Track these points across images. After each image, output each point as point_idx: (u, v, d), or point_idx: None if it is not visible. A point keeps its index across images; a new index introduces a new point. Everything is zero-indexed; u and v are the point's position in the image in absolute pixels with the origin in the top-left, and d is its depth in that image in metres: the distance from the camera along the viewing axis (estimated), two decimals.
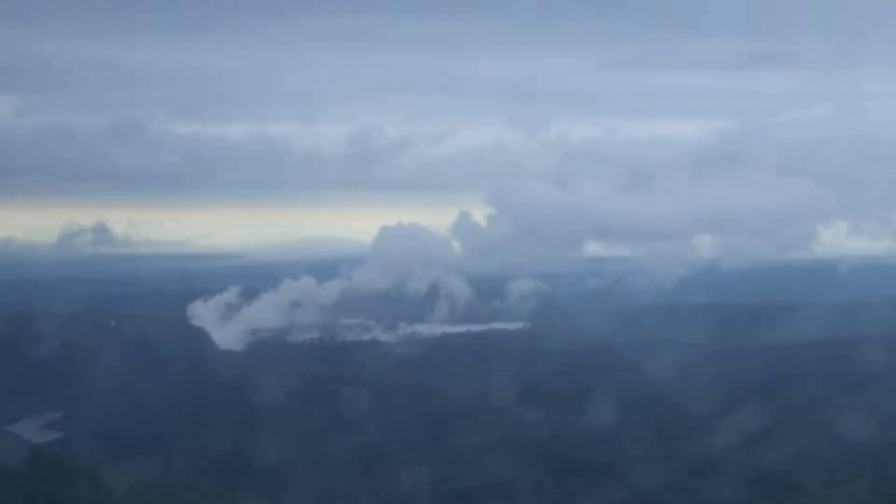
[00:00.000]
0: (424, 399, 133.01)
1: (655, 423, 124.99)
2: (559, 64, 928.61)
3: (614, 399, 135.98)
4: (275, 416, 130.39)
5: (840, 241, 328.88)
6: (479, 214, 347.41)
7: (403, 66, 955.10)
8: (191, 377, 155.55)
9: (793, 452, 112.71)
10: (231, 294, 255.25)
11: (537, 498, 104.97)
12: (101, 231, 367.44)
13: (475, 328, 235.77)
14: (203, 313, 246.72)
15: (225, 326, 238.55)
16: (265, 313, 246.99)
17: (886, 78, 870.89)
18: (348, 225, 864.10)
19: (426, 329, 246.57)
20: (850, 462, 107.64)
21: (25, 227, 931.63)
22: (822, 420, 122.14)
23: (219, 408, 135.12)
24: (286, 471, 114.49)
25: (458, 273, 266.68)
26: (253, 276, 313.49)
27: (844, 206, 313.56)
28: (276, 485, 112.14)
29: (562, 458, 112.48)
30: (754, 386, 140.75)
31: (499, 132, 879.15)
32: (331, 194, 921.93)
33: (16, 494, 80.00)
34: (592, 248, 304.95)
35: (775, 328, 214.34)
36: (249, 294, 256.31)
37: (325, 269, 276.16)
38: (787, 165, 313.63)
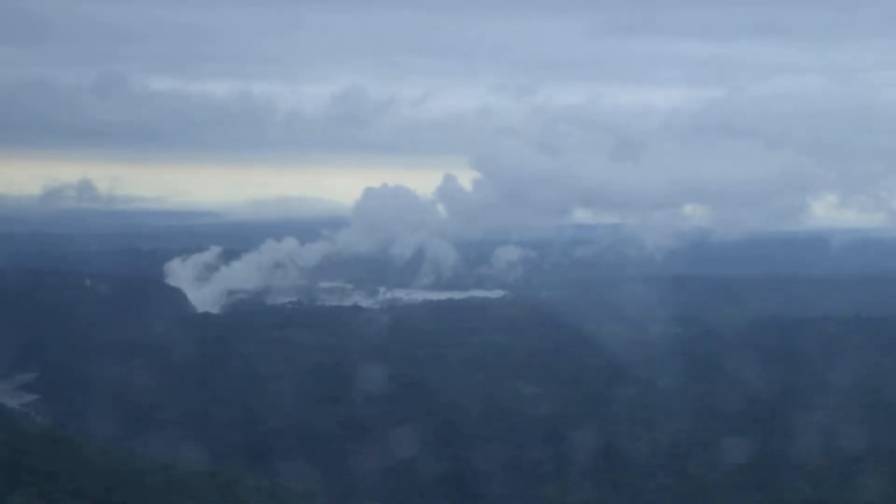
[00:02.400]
0: (398, 369, 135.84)
1: (628, 397, 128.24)
2: (547, 29, 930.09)
3: (590, 372, 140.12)
4: (251, 383, 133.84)
5: (830, 213, 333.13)
6: (465, 178, 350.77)
7: (389, 27, 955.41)
8: (167, 341, 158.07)
9: (777, 425, 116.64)
10: (209, 254, 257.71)
11: (504, 467, 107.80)
12: (78, 187, 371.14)
13: (458, 295, 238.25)
14: (180, 273, 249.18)
15: (202, 287, 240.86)
16: (243, 275, 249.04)
17: (878, 49, 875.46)
18: (328, 186, 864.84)
19: (408, 295, 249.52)
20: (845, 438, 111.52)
21: (3, 182, 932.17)
22: (811, 392, 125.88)
23: (195, 373, 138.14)
24: (258, 437, 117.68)
25: (443, 238, 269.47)
26: (229, 236, 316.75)
27: (834, 178, 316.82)
28: (249, 449, 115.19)
29: (528, 430, 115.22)
30: (741, 359, 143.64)
31: (485, 96, 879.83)
32: (312, 154, 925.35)
33: None
34: (581, 216, 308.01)
35: (765, 300, 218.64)
36: (228, 254, 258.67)
37: (302, 229, 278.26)
38: (776, 136, 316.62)
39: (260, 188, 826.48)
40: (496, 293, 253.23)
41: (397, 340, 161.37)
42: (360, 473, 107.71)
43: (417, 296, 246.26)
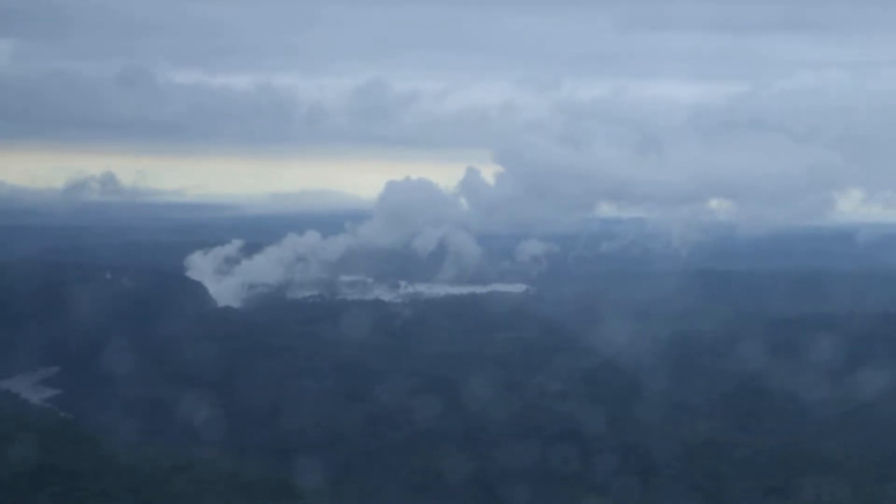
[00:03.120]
0: (421, 365, 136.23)
1: (652, 394, 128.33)
2: (571, 23, 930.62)
3: (614, 369, 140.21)
4: (273, 378, 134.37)
5: (856, 208, 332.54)
6: (488, 172, 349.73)
7: (412, 20, 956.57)
8: (189, 335, 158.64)
9: (802, 422, 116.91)
10: (231, 247, 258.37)
11: (529, 465, 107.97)
12: (101, 180, 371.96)
13: (480, 290, 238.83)
14: (201, 266, 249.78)
15: (222, 280, 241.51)
16: (265, 268, 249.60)
17: None
18: (350, 179, 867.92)
19: (430, 289, 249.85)
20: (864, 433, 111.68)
21: (25, 174, 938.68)
22: (837, 389, 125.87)
23: (217, 368, 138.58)
24: (281, 434, 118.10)
25: (466, 232, 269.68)
26: (250, 229, 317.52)
27: (860, 173, 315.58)
28: (272, 445, 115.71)
29: (554, 427, 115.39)
30: (767, 356, 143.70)
31: (508, 90, 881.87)
32: (334, 148, 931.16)
33: (9, 453, 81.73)
34: (605, 210, 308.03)
35: (790, 296, 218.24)
36: (249, 248, 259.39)
37: (324, 223, 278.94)
38: (802, 131, 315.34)
39: (282, 181, 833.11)
40: (518, 287, 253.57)
41: (420, 335, 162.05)
42: (383, 471, 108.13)
43: (439, 290, 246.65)
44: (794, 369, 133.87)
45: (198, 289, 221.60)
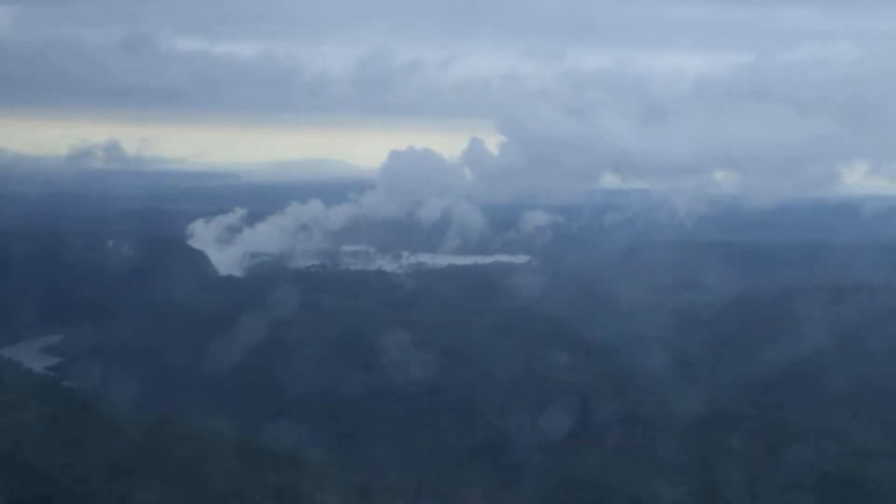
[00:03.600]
0: (423, 335, 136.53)
1: (655, 364, 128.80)
2: None
3: (617, 339, 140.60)
4: (275, 347, 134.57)
5: (861, 180, 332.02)
6: (491, 142, 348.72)
7: None
8: (191, 304, 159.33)
9: (809, 393, 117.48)
10: (233, 216, 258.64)
11: (533, 434, 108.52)
12: (104, 147, 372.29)
13: (483, 260, 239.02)
14: (203, 235, 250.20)
15: (225, 249, 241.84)
16: (267, 237, 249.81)
17: None
18: (353, 148, 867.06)
19: (433, 260, 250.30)
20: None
21: (28, 141, 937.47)
22: (841, 359, 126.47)
23: (217, 337, 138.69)
24: (284, 403, 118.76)
25: (470, 202, 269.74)
26: (253, 198, 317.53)
27: (865, 145, 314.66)
28: (275, 412, 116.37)
29: (557, 397, 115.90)
30: (772, 327, 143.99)
31: (512, 59, 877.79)
32: (337, 117, 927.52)
33: (12, 420, 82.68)
34: (609, 181, 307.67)
35: (795, 268, 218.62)
36: (251, 217, 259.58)
37: (327, 192, 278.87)
38: (807, 102, 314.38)
39: (284, 150, 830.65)
40: (521, 258, 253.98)
41: (421, 306, 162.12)
42: (386, 440, 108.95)
43: (442, 260, 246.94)
44: (799, 339, 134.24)
45: (200, 258, 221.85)
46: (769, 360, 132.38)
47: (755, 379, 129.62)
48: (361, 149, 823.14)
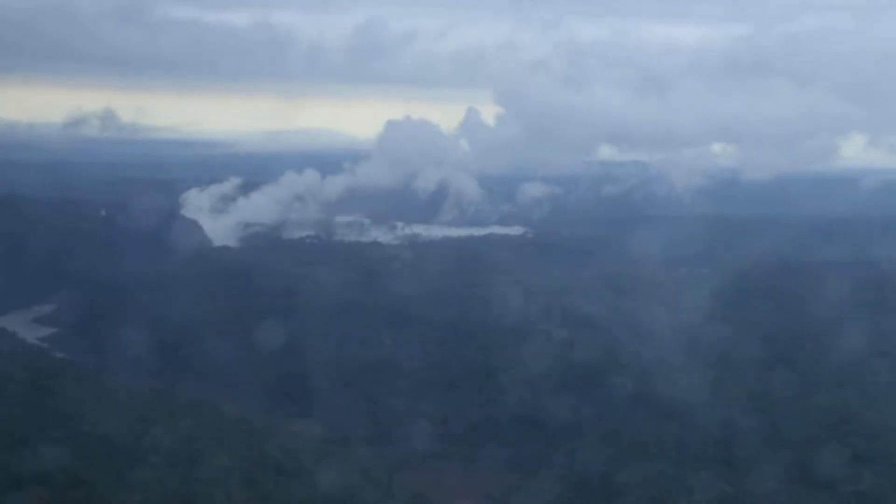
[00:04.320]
0: (419, 308, 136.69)
1: (653, 339, 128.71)
2: None
3: (611, 313, 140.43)
4: (269, 319, 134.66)
5: (859, 154, 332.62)
6: (488, 113, 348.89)
7: None
8: (184, 274, 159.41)
9: (806, 368, 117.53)
10: (227, 186, 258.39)
11: (535, 411, 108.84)
12: (100, 115, 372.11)
13: (478, 232, 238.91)
14: (196, 204, 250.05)
15: (218, 219, 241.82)
16: (261, 207, 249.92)
17: None
18: (348, 118, 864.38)
19: (428, 231, 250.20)
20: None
21: (22, 108, 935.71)
22: (839, 335, 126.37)
23: (213, 308, 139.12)
24: (277, 372, 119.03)
25: (466, 173, 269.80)
26: (247, 168, 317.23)
27: (864, 118, 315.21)
28: (270, 385, 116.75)
29: (556, 372, 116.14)
30: (770, 301, 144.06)
31: (508, 30, 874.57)
32: (332, 86, 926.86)
33: (5, 391, 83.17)
34: (607, 153, 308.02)
35: (793, 242, 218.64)
36: (246, 186, 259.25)
37: (322, 162, 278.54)
38: (805, 75, 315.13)
39: (279, 120, 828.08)
40: (516, 230, 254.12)
41: (415, 278, 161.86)
42: (384, 416, 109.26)
43: (437, 232, 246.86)
44: (798, 314, 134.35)
45: (193, 227, 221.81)
46: (768, 335, 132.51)
47: (755, 355, 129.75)
48: (357, 119, 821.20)
